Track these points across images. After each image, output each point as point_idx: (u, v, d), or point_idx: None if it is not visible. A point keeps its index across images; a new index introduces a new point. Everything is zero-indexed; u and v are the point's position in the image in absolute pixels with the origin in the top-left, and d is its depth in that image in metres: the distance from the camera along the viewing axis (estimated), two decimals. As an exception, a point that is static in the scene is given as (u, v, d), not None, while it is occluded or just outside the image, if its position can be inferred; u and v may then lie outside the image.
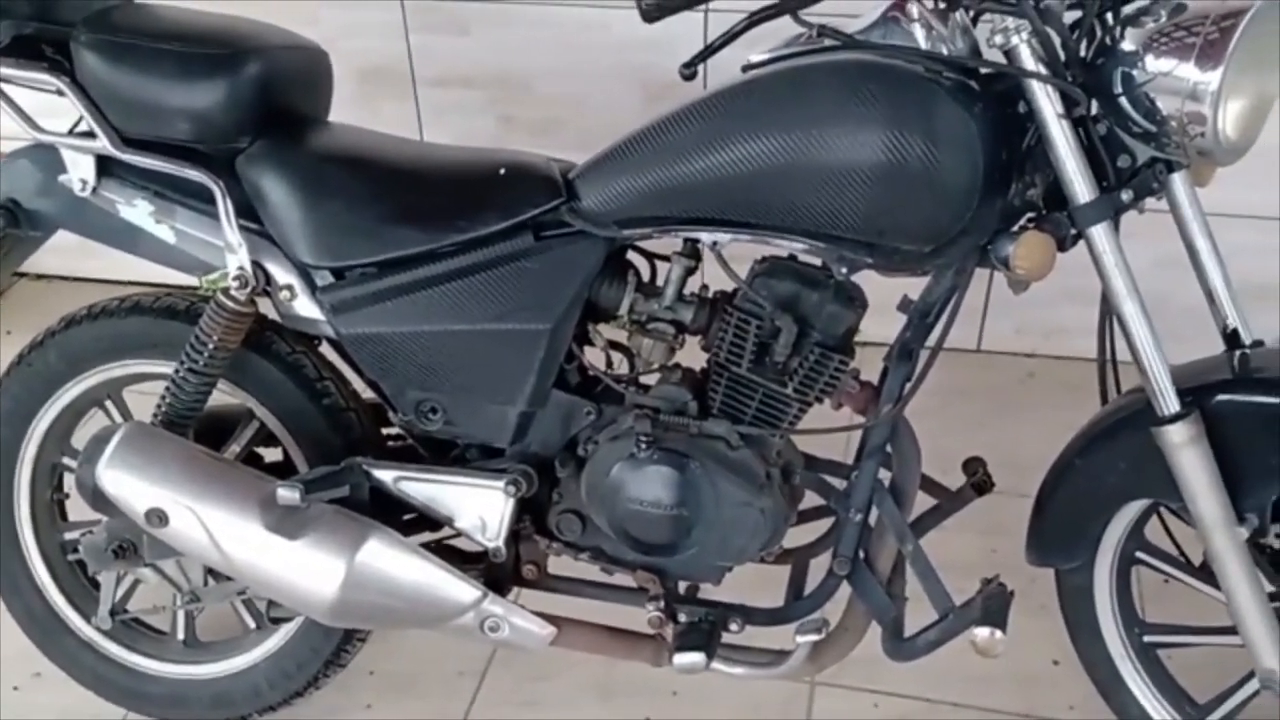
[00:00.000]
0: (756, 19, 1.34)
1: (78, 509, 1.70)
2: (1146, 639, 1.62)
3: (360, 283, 1.52)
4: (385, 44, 2.70)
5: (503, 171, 1.50)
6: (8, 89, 1.56)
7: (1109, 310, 1.40)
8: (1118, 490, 1.50)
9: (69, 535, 1.84)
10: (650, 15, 1.27)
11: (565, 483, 1.58)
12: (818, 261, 1.44)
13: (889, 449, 1.53)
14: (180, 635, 1.87)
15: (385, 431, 1.72)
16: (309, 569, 1.53)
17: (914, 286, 1.48)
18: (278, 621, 1.76)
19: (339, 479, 1.57)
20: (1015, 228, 1.36)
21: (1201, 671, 1.64)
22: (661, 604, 1.57)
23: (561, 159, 1.53)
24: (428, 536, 1.65)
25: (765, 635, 1.62)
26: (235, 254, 1.52)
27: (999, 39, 1.26)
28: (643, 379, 1.55)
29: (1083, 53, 1.27)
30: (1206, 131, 1.21)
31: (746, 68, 1.38)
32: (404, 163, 1.56)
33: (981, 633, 1.42)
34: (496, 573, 1.63)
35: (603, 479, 1.50)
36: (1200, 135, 1.21)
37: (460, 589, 1.56)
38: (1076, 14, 1.28)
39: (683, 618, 1.59)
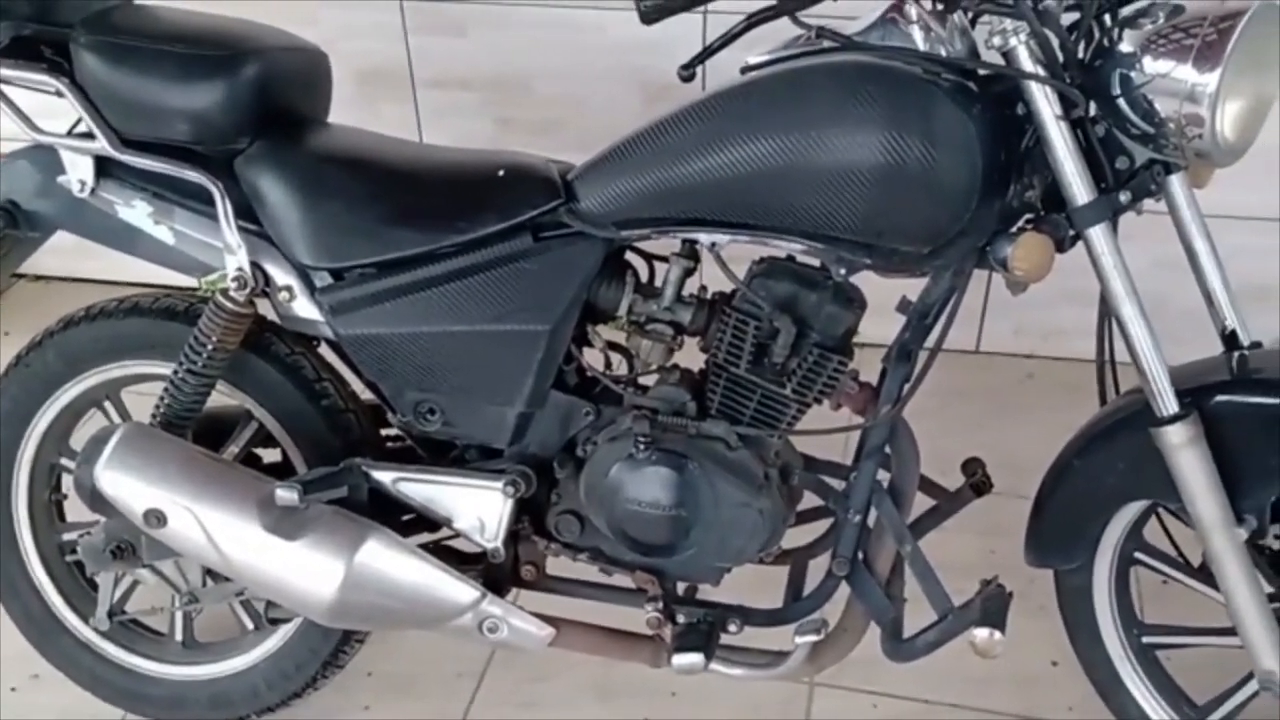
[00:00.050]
0: (755, 20, 1.34)
1: (76, 510, 1.70)
2: (1145, 640, 1.62)
3: (359, 284, 1.52)
4: (384, 45, 2.70)
5: (501, 173, 1.50)
6: (7, 90, 1.56)
7: (1107, 311, 1.40)
8: (1116, 491, 1.50)
9: (67, 536, 1.84)
10: (649, 17, 1.27)
11: (564, 483, 1.58)
12: (816, 262, 1.44)
13: (888, 450, 1.52)
14: (178, 636, 1.87)
15: (384, 432, 1.72)
16: (307, 570, 1.53)
17: (913, 287, 1.48)
18: (276, 622, 1.76)
19: (337, 480, 1.57)
20: (1014, 229, 1.36)
21: (1200, 672, 1.64)
22: (660, 605, 1.57)
23: (560, 160, 1.53)
24: (426, 537, 1.65)
25: (764, 636, 1.62)
26: (234, 255, 1.52)
27: (997, 40, 1.26)
28: (641, 380, 1.55)
29: (1081, 54, 1.27)
30: (1204, 133, 1.21)
31: (745, 69, 1.38)
32: (403, 164, 1.56)
33: (980, 634, 1.42)
34: (495, 573, 1.62)
35: (601, 480, 1.50)
36: (1198, 137, 1.22)
37: (459, 590, 1.56)
38: (1075, 15, 1.28)
39: (681, 618, 1.59)
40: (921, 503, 1.60)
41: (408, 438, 1.66)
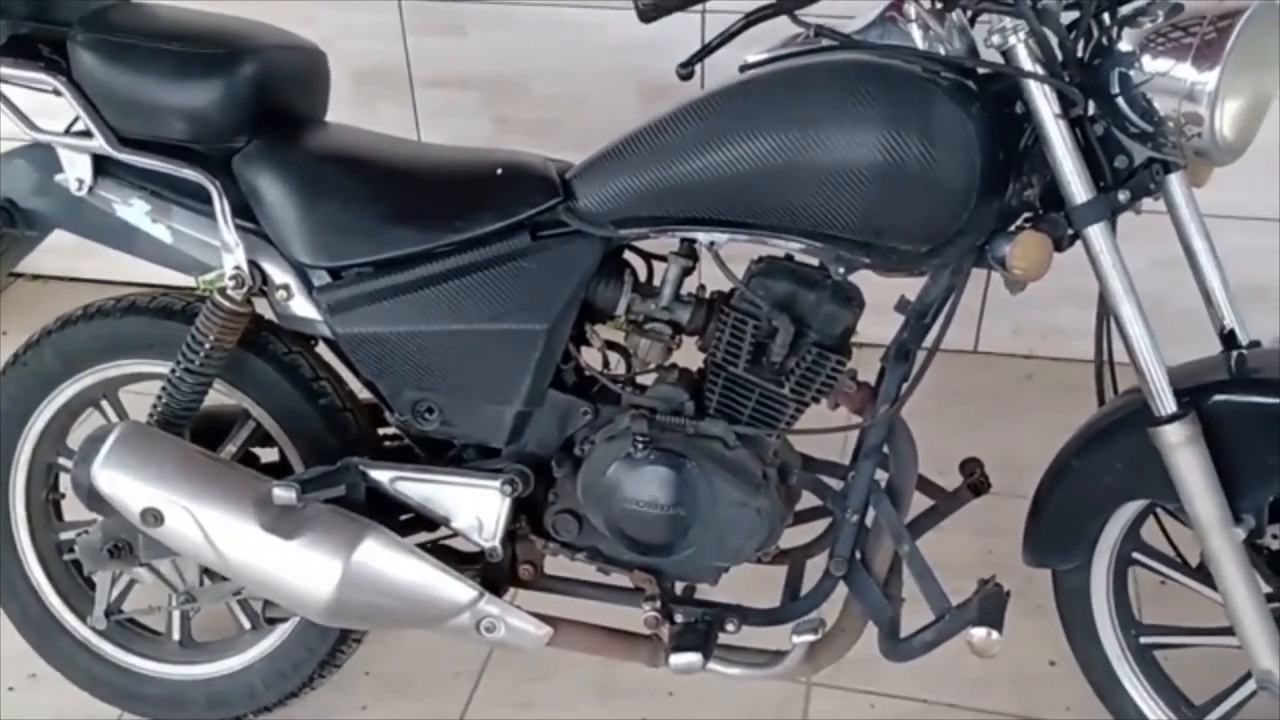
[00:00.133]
0: (754, 19, 1.34)
1: (73, 509, 1.70)
2: (1143, 640, 1.62)
3: (357, 282, 1.52)
4: (382, 45, 2.70)
5: (500, 171, 1.50)
6: (4, 89, 1.55)
7: (1106, 311, 1.40)
8: (1114, 491, 1.50)
9: (64, 535, 1.84)
10: (647, 15, 1.27)
11: (562, 483, 1.57)
12: (815, 261, 1.44)
13: (886, 449, 1.52)
14: (176, 635, 1.87)
15: (381, 431, 1.72)
16: (305, 569, 1.53)
17: (911, 287, 1.47)
18: (273, 622, 1.76)
19: (335, 479, 1.57)
20: (1012, 228, 1.36)
21: (1198, 672, 1.64)
22: (658, 604, 1.57)
23: (559, 159, 1.53)
24: (424, 536, 1.65)
25: (762, 636, 1.62)
26: (232, 254, 1.52)
27: (996, 39, 1.26)
28: (639, 379, 1.55)
29: (1080, 53, 1.27)
30: (1203, 132, 1.21)
31: (744, 68, 1.38)
32: (401, 163, 1.56)
33: (978, 633, 1.42)
34: (493, 573, 1.62)
35: (599, 479, 1.49)
36: (1197, 135, 1.21)
37: (456, 589, 1.56)
38: (1074, 14, 1.28)
39: (679, 618, 1.59)
40: (919, 502, 1.60)
41: (405, 437, 1.66)
